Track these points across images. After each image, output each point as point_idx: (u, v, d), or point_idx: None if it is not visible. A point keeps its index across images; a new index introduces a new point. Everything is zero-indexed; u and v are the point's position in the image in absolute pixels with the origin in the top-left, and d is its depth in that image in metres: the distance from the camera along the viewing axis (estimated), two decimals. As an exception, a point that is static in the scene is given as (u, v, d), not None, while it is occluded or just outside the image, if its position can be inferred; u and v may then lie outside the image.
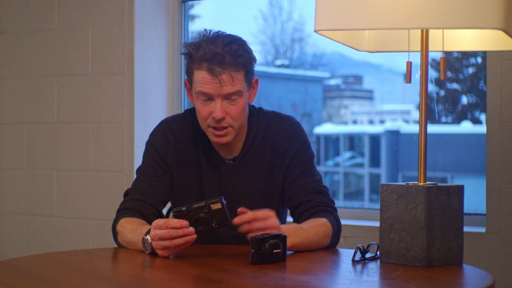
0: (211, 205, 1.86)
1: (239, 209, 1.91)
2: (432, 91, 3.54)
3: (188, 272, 1.74)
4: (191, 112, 2.24)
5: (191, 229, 1.84)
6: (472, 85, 4.16)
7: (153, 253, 1.90)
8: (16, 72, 3.70)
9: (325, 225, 2.06)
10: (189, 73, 2.10)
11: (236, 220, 1.88)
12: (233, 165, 2.19)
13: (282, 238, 1.81)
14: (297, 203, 2.16)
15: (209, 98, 2.06)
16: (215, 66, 2.02)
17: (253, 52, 2.12)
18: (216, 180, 2.19)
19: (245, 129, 2.20)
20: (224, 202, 1.87)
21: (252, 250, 1.78)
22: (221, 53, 2.02)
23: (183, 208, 1.86)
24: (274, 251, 1.80)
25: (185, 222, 1.84)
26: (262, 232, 1.83)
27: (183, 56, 2.14)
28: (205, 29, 2.11)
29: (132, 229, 2.02)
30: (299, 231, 1.97)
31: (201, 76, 2.05)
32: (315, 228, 2.03)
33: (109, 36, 3.45)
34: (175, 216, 1.86)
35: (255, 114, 2.23)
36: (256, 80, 2.16)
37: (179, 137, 2.20)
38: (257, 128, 2.21)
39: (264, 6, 5.35)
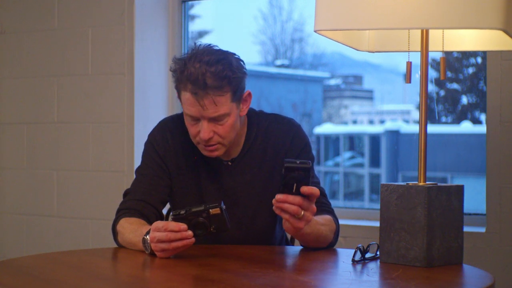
0: (210, 210, 1.85)
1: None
2: (432, 91, 3.54)
3: (188, 272, 1.74)
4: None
5: (190, 232, 1.84)
6: (472, 85, 4.16)
7: (153, 253, 1.90)
8: (16, 72, 3.70)
9: (330, 221, 2.09)
10: (177, 90, 2.09)
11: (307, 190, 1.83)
12: (231, 166, 2.19)
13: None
14: None
15: (196, 119, 2.06)
16: (198, 90, 2.00)
17: (243, 68, 2.07)
18: (214, 181, 2.19)
19: (243, 132, 2.19)
20: (223, 207, 1.87)
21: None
22: (203, 76, 1.98)
23: (182, 212, 1.86)
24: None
25: (183, 226, 1.84)
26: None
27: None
28: (195, 43, 2.09)
29: (132, 230, 2.02)
30: (312, 222, 1.95)
31: (186, 97, 2.04)
32: (324, 221, 2.04)
33: (109, 36, 3.45)
34: (174, 219, 1.86)
35: (255, 117, 2.22)
36: (249, 94, 2.13)
37: (177, 137, 2.20)
38: (257, 130, 2.21)
39: (264, 6, 5.34)
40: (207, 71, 1.99)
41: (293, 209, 1.83)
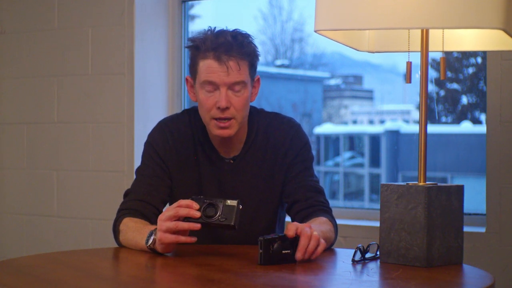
0: (228, 200, 1.88)
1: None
2: (432, 91, 3.54)
3: (188, 272, 1.74)
4: (189, 112, 2.24)
5: (198, 213, 1.85)
6: (472, 85, 4.16)
7: (153, 248, 1.90)
8: (16, 72, 3.70)
9: (326, 221, 2.08)
10: (194, 64, 2.11)
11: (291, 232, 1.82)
12: (233, 165, 2.19)
13: (294, 239, 1.81)
14: (295, 200, 2.17)
15: (214, 88, 2.07)
16: (221, 53, 2.04)
17: (258, 49, 2.14)
18: (215, 180, 2.19)
19: (246, 128, 2.20)
20: (240, 206, 1.88)
21: (261, 251, 1.77)
22: (229, 42, 2.05)
23: (201, 196, 1.90)
24: (283, 251, 1.80)
25: (195, 204, 1.86)
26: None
27: (186, 50, 2.16)
28: (210, 26, 2.12)
29: (137, 228, 2.02)
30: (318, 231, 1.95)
31: (207, 65, 2.06)
32: (321, 223, 2.04)
33: (109, 36, 3.45)
34: (191, 199, 1.88)
35: (256, 114, 2.23)
36: (258, 79, 2.17)
37: (177, 137, 2.20)
38: (258, 128, 2.21)
39: (264, 6, 5.35)
40: (230, 40, 2.06)
41: (313, 243, 1.82)
